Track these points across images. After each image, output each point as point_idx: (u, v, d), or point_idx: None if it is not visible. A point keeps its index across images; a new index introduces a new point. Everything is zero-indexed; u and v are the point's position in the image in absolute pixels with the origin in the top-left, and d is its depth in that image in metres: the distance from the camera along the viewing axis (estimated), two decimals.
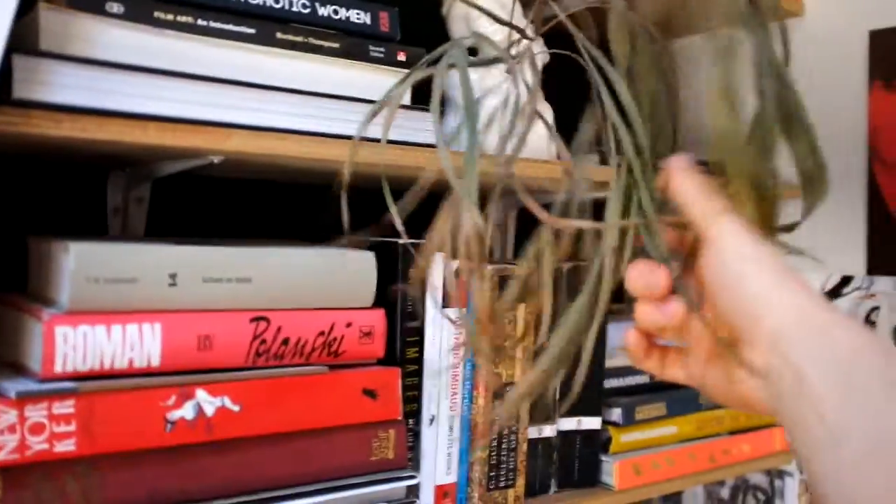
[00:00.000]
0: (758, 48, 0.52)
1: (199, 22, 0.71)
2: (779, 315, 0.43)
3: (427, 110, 0.81)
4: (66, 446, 0.62)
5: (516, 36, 0.78)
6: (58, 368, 0.62)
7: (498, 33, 0.91)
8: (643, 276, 0.49)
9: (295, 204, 1.05)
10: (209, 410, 0.68)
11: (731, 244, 0.46)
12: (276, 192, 1.03)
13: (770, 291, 0.44)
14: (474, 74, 0.90)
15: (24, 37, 0.65)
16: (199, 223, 0.98)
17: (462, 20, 0.93)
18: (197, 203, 0.97)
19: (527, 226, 1.22)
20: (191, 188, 0.96)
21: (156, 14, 0.69)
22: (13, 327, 0.69)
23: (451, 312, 0.84)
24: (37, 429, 0.61)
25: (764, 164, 0.49)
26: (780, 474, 1.22)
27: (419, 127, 0.82)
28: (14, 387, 0.60)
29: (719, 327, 0.48)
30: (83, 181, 0.90)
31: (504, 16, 0.93)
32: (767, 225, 0.51)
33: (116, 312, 0.65)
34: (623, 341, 0.53)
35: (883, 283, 1.12)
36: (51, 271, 0.68)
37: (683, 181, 0.49)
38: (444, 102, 0.94)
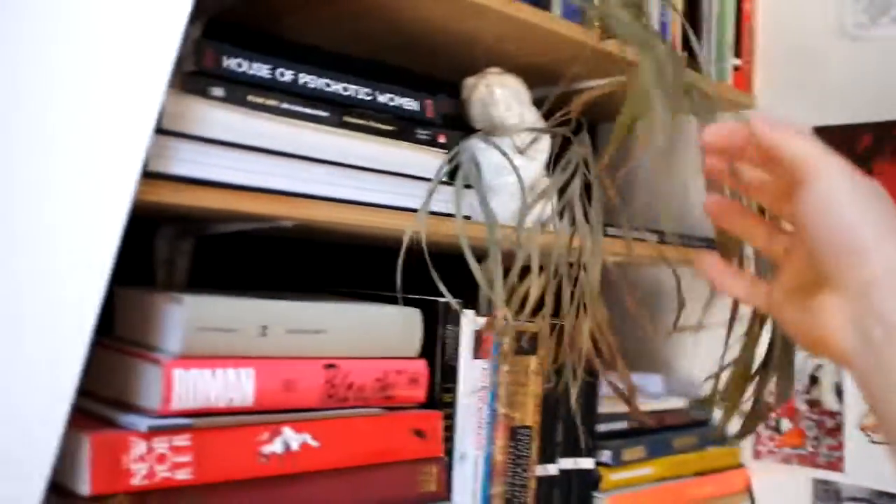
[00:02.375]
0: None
1: (284, 105, 0.82)
2: (875, 266, 0.43)
3: (468, 187, 0.94)
4: (184, 474, 0.70)
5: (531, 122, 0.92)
6: (174, 406, 0.71)
7: (514, 118, 1.04)
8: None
9: (330, 261, 1.15)
10: (294, 446, 0.77)
11: (837, 185, 0.45)
12: (308, 249, 1.13)
13: (870, 241, 0.43)
14: (496, 158, 1.02)
15: None
16: (234, 276, 1.07)
17: (480, 105, 1.06)
18: (233, 258, 1.07)
19: None
20: (229, 244, 1.05)
21: (249, 98, 0.80)
22: (114, 368, 0.78)
23: (481, 363, 0.95)
24: (161, 458, 0.69)
25: None
26: None
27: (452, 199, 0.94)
28: (143, 422, 0.69)
29: (809, 266, 0.48)
30: (132, 233, 0.98)
31: (518, 106, 1.06)
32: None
33: (219, 357, 0.74)
34: (701, 267, 0.53)
35: None
36: (155, 319, 0.77)
37: (775, 127, 0.48)
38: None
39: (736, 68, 1.37)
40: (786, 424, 1.31)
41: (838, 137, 1.29)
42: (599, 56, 1.14)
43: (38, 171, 0.61)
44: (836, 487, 1.26)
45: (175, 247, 1.01)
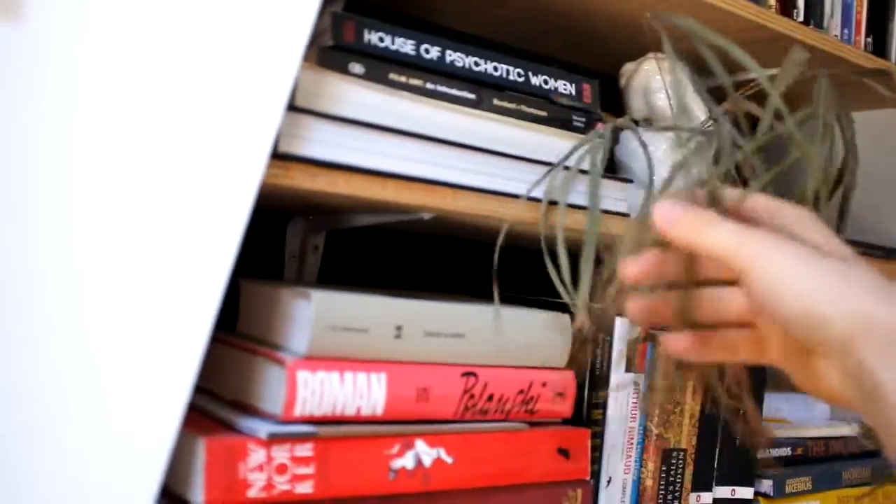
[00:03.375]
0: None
1: (428, 85, 0.74)
2: (840, 324, 0.42)
3: (625, 180, 0.84)
4: (305, 488, 0.64)
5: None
6: (297, 412, 0.64)
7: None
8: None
9: (465, 259, 1.08)
10: (427, 461, 0.70)
11: (770, 270, 0.44)
12: (442, 247, 1.06)
13: (827, 302, 0.43)
14: (652, 147, 0.92)
15: None
16: (366, 274, 1.01)
17: (640, 93, 0.96)
18: (366, 255, 1.00)
19: None
20: (361, 240, 0.99)
21: (391, 76, 0.73)
22: (234, 367, 0.72)
23: (632, 377, 0.86)
24: (281, 469, 0.63)
25: None
26: None
27: (605, 195, 0.84)
28: (264, 427, 0.63)
29: (788, 338, 0.47)
30: (261, 226, 0.93)
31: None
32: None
33: (348, 360, 0.67)
34: (668, 352, 0.52)
35: None
36: (281, 316, 0.71)
37: (679, 224, 0.47)
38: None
39: None
40: None
41: None
42: (777, 41, 1.02)
43: (154, 146, 0.56)
44: None
45: (306, 241, 0.95)
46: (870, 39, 1.14)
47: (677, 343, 0.51)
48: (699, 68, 1.00)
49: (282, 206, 0.85)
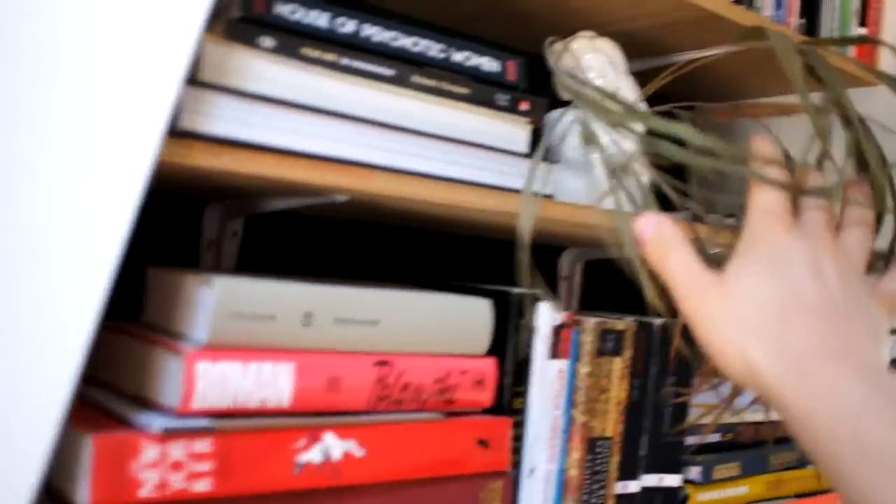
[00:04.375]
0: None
1: (343, 61, 0.71)
2: (765, 380, 0.41)
3: (553, 162, 0.82)
4: (203, 486, 0.60)
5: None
6: (195, 405, 0.61)
7: (606, 87, 0.91)
8: None
9: (395, 247, 1.04)
10: (336, 454, 0.67)
11: (701, 318, 0.44)
12: (371, 233, 1.03)
13: (753, 359, 0.41)
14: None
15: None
16: (289, 261, 0.97)
17: (568, 72, 0.93)
18: (282, 240, 0.97)
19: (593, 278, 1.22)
20: (284, 227, 0.95)
21: (303, 50, 0.69)
22: (135, 358, 0.68)
23: (557, 364, 0.83)
24: (177, 466, 0.59)
25: None
26: None
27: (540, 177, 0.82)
28: (158, 422, 0.59)
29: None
30: (177, 211, 0.89)
31: (613, 74, 0.93)
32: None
33: (252, 350, 0.64)
34: None
35: None
36: (183, 304, 0.67)
37: (655, 249, 0.46)
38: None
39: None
40: None
41: None
42: (706, 21, 1.00)
43: (36, 119, 0.51)
44: None
45: (224, 227, 0.91)
46: (803, 21, 1.13)
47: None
48: (626, 49, 0.98)
49: (197, 190, 0.81)
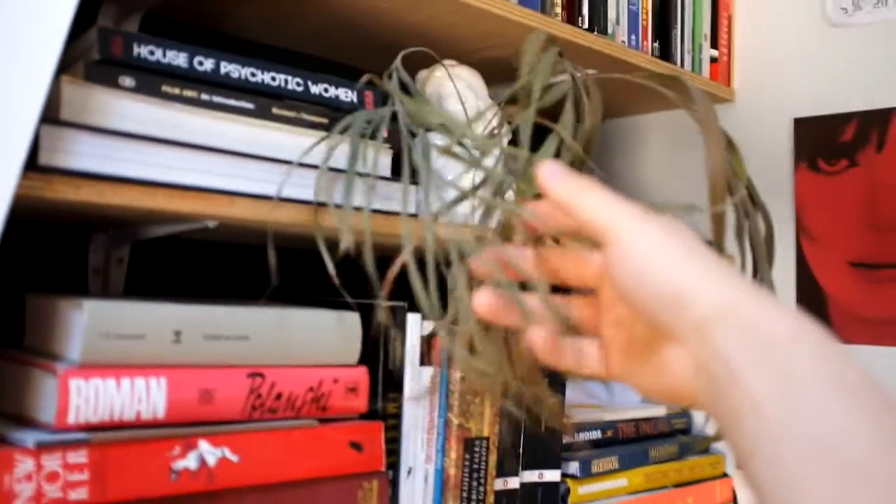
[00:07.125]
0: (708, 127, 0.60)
1: (203, 96, 0.76)
2: (704, 305, 0.41)
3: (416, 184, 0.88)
4: (79, 494, 0.65)
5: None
6: (71, 420, 0.65)
7: (469, 112, 0.98)
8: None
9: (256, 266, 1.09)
10: (211, 461, 0.72)
11: (637, 241, 0.44)
12: (245, 254, 1.08)
13: (693, 281, 0.42)
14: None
15: (47, 107, 0.69)
16: (174, 284, 1.02)
17: (433, 99, 1.00)
18: (171, 264, 1.01)
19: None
20: (167, 250, 1.00)
21: (164, 88, 0.74)
22: (15, 381, 0.72)
23: (429, 370, 0.89)
24: (52, 477, 0.64)
25: None
26: None
27: (398, 197, 0.88)
28: (32, 437, 0.63)
29: (636, 326, 0.47)
30: (64, 242, 0.93)
31: (473, 98, 1.01)
32: None
33: (125, 367, 0.69)
34: (529, 342, 0.51)
35: None
36: (58, 327, 0.71)
37: (568, 186, 0.47)
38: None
39: (713, 60, 1.31)
40: None
41: (821, 128, 1.23)
42: (563, 48, 1.08)
43: None
44: None
45: (109, 254, 0.96)
46: (657, 44, 1.22)
47: (536, 338, 0.50)
48: (489, 74, 1.06)
49: (82, 220, 0.86)
